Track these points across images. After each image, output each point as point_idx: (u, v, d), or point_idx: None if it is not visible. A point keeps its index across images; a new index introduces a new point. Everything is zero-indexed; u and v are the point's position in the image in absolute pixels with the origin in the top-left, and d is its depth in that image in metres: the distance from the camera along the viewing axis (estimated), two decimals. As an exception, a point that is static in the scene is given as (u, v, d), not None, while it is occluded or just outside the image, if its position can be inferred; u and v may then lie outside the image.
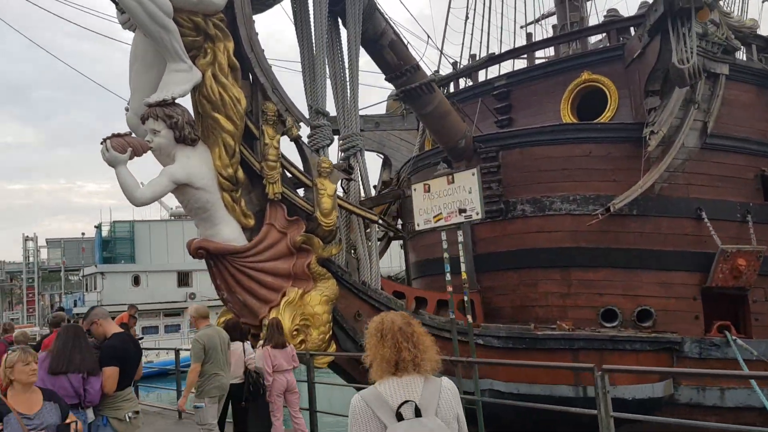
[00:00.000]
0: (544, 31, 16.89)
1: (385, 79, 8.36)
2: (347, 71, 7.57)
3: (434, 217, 6.97)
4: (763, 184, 9.00)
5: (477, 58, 11.64)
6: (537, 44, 10.77)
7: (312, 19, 7.23)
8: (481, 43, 13.96)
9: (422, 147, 11.43)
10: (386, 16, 8.03)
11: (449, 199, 6.84)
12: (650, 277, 8.40)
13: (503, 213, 8.78)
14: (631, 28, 9.43)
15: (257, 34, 6.38)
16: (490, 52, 12.35)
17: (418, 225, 7.24)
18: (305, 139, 7.03)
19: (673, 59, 7.17)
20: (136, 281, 34.06)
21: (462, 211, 6.69)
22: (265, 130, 6.19)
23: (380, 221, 9.94)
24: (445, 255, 6.90)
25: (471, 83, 11.01)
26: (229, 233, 6.02)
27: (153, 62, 5.93)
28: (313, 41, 7.24)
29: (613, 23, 9.53)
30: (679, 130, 8.34)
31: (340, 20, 7.88)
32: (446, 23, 13.94)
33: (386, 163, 12.94)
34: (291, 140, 6.48)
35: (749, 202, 8.87)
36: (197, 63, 5.78)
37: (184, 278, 34.77)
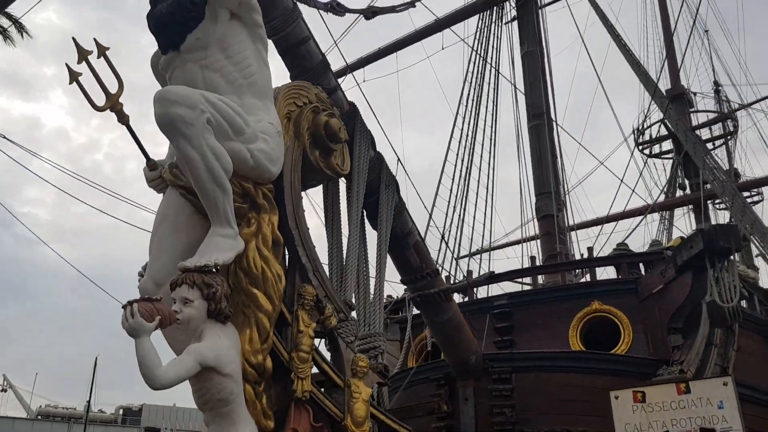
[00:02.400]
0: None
1: (402, 281, 7.81)
2: (374, 268, 7.02)
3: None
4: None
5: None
6: (541, 268, 10.69)
7: (347, 213, 6.81)
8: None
9: (405, 362, 10.58)
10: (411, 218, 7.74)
11: (682, 414, 5.67)
12: None
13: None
14: (641, 264, 9.47)
15: (304, 211, 5.83)
16: (490, 270, 12.21)
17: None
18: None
19: (714, 298, 6.99)
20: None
21: (707, 431, 5.44)
22: (300, 316, 5.31)
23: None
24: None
25: (465, 299, 10.63)
26: (248, 437, 4.87)
27: (184, 226, 5.16)
28: (347, 233, 6.74)
29: (623, 257, 9.59)
30: (701, 372, 7.92)
31: (364, 212, 7.48)
32: (430, 217, 13.76)
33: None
34: (325, 332, 5.60)
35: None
36: (240, 232, 5.05)
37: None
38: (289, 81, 6.69)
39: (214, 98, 4.74)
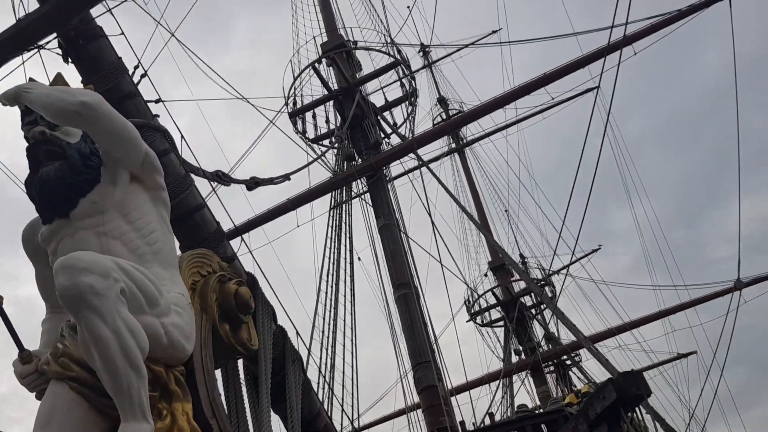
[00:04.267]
0: None
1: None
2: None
3: None
4: None
5: None
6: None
7: (251, 396, 5.97)
8: None
9: None
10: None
11: None
12: None
13: None
14: (542, 425, 9.24)
15: (220, 395, 4.92)
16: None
17: None
18: None
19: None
20: None
21: None
22: None
23: None
24: None
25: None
26: None
27: (78, 428, 4.12)
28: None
29: (525, 419, 9.32)
30: None
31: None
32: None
33: None
34: None
35: None
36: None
37: None
38: (180, 252, 6.04)
39: (127, 265, 4.04)
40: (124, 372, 3.76)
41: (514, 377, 27.11)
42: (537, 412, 10.68)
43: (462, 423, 12.18)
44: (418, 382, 12.93)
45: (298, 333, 7.85)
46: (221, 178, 7.38)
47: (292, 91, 18.70)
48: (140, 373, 3.86)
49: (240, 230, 8.77)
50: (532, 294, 29.53)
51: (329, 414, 12.63)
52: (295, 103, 19.52)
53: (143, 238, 4.62)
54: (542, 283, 28.85)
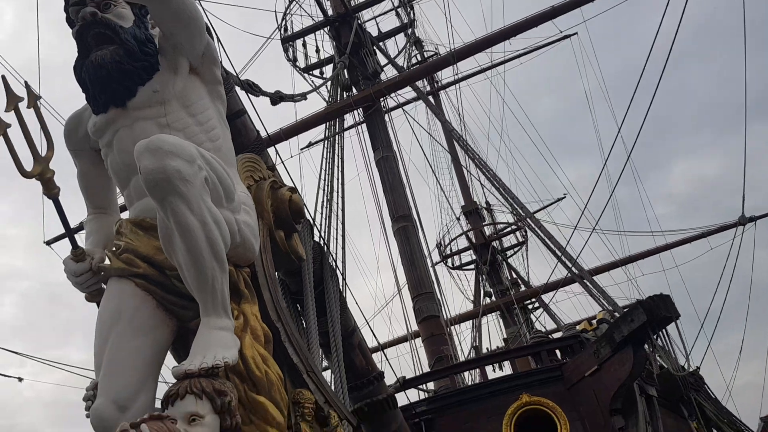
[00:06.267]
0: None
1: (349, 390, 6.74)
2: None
3: None
4: None
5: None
6: (459, 366, 10.09)
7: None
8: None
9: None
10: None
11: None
12: None
13: None
14: (557, 351, 9.33)
15: (283, 300, 4.75)
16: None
17: None
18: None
19: (668, 368, 6.93)
20: None
21: None
22: (303, 429, 4.13)
23: None
24: None
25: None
26: None
27: (147, 326, 3.90)
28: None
29: (542, 345, 9.39)
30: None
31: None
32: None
33: None
34: None
35: None
36: (226, 326, 3.90)
37: None
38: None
39: (207, 153, 3.77)
40: (210, 264, 3.54)
41: (483, 319, 27.62)
42: (552, 337, 10.84)
43: (477, 348, 12.21)
44: (418, 313, 12.98)
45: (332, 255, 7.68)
46: (251, 87, 7.04)
47: (287, 19, 17.98)
48: (224, 267, 3.65)
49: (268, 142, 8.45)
50: (502, 240, 29.82)
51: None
52: (286, 29, 18.83)
53: (206, 133, 4.34)
54: (513, 228, 29.11)
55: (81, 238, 4.49)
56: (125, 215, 4.39)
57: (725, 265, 13.82)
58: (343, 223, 15.83)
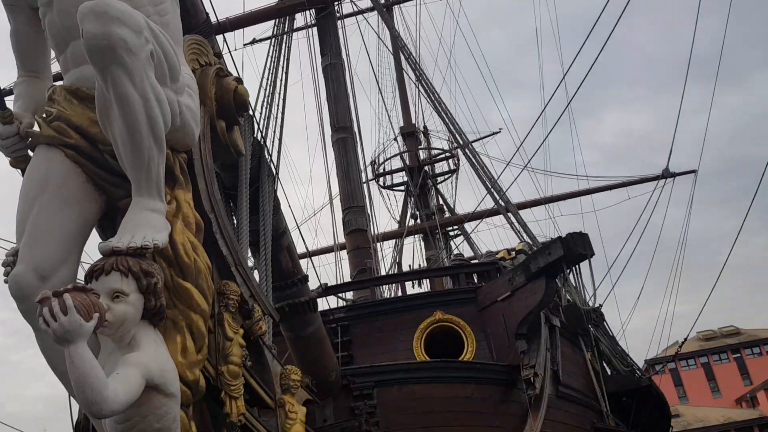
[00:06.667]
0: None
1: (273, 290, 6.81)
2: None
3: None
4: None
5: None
6: (380, 279, 10.32)
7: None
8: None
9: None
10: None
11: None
12: None
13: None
14: (474, 275, 9.70)
15: (218, 191, 4.67)
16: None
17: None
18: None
19: (574, 300, 7.35)
20: None
21: None
22: (226, 320, 4.19)
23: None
24: None
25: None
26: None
27: (74, 198, 3.78)
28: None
29: (461, 267, 9.72)
30: (544, 376, 8.30)
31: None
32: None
33: None
34: (251, 339, 4.49)
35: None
36: (155, 211, 3.83)
37: None
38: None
39: (154, 26, 3.58)
40: (147, 143, 3.43)
41: (406, 240, 28.24)
42: (472, 262, 11.26)
43: (399, 264, 12.50)
44: (347, 225, 13.11)
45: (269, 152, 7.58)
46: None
47: None
48: (161, 148, 3.55)
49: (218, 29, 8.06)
50: (435, 165, 30.12)
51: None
52: None
53: (154, 6, 4.09)
54: (448, 155, 29.42)
55: (10, 102, 4.27)
56: (59, 84, 4.17)
57: (641, 214, 14.51)
58: (281, 127, 15.56)
